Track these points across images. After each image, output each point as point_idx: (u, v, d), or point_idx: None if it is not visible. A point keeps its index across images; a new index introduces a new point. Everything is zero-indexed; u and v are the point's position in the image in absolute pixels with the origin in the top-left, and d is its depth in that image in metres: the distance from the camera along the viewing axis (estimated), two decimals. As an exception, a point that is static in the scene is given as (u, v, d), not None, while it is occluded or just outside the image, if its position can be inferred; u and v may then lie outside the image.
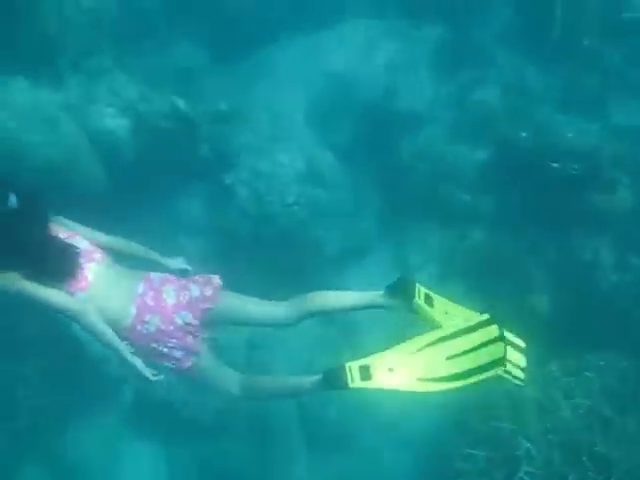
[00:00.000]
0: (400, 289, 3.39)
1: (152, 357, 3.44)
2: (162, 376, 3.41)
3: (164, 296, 3.43)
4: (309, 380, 3.35)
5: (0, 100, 5.30)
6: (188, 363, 3.47)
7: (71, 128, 5.42)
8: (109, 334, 3.29)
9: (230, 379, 3.59)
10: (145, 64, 6.20)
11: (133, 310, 3.37)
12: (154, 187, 5.71)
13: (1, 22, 5.39)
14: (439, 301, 3.43)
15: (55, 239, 3.34)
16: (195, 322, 3.45)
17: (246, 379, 3.59)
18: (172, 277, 3.55)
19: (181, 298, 3.45)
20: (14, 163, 5.07)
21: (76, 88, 5.67)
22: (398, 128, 6.56)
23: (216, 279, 3.55)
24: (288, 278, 4.99)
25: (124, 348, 3.33)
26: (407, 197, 6.35)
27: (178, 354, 3.44)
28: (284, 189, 6.03)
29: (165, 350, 3.42)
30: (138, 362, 3.36)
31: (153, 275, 3.51)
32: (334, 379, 3.20)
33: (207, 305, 3.48)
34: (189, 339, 3.44)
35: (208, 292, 3.49)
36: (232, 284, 3.59)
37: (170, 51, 6.56)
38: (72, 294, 3.28)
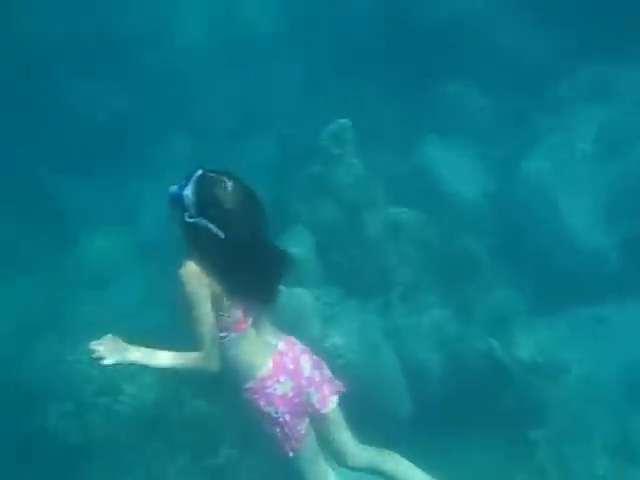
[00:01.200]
0: None
1: (260, 419, 3.31)
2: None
3: (302, 363, 3.37)
4: None
5: (333, 318, 5.89)
6: (289, 444, 3.30)
7: (389, 354, 5.78)
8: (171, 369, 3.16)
9: None
10: (466, 303, 6.42)
11: (270, 364, 3.30)
12: (455, 424, 5.63)
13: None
14: None
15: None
16: (319, 406, 3.38)
17: None
18: (309, 350, 3.49)
19: (314, 375, 3.39)
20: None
21: (400, 318, 6.10)
22: None
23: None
24: None
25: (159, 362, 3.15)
26: None
27: (284, 429, 3.29)
28: (593, 459, 5.61)
29: (277, 419, 3.27)
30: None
31: (295, 339, 3.48)
32: None
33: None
34: (303, 421, 3.34)
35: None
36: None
37: (490, 293, 6.71)
38: (229, 329, 3.23)
